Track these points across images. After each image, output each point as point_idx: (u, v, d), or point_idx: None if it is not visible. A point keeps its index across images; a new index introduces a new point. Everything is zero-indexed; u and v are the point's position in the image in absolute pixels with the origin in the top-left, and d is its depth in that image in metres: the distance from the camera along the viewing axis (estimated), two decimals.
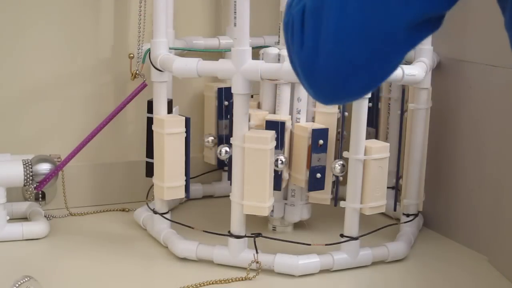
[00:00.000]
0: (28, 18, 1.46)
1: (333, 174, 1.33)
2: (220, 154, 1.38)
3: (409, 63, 1.38)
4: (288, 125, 1.31)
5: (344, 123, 1.32)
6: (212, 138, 1.52)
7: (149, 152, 1.39)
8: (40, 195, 1.47)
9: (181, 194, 1.33)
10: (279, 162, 1.27)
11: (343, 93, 0.79)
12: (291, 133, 1.32)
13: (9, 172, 1.34)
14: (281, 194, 1.38)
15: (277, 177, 1.27)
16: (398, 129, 1.47)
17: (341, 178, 1.35)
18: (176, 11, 1.49)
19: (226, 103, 1.52)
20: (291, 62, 0.80)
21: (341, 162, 1.29)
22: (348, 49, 0.74)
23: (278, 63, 1.24)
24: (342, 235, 1.27)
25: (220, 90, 1.53)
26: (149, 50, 1.34)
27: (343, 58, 0.74)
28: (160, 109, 1.33)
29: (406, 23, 0.73)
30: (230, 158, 1.27)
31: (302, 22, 0.75)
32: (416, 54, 1.36)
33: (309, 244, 1.28)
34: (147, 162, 1.42)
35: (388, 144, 1.27)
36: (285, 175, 1.32)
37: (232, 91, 1.20)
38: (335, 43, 0.74)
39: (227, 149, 1.38)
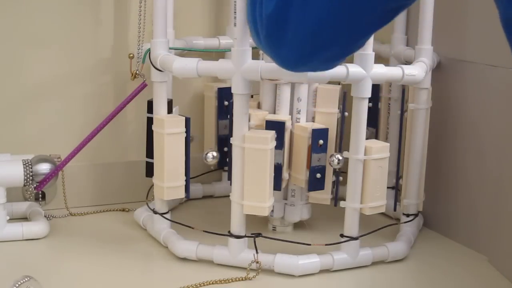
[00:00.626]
0: (28, 18, 1.46)
1: (333, 169, 1.33)
2: (206, 159, 1.37)
3: (409, 63, 1.38)
4: (288, 125, 1.31)
5: (344, 123, 1.32)
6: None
7: (149, 152, 1.39)
8: (40, 195, 1.47)
9: (181, 194, 1.33)
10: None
11: (308, 64, 0.82)
12: (291, 133, 1.32)
13: (9, 172, 1.34)
14: (281, 194, 1.38)
15: (277, 177, 1.27)
16: (398, 129, 1.47)
17: (341, 178, 1.35)
18: (176, 11, 1.49)
19: (226, 103, 1.52)
20: (257, 35, 0.83)
21: (339, 156, 1.28)
22: (319, 29, 0.75)
23: None
24: (342, 235, 1.27)
25: (220, 90, 1.53)
26: (149, 50, 1.34)
27: (313, 34, 0.76)
28: (160, 109, 1.33)
29: (383, 9, 0.74)
30: (230, 158, 1.27)
31: None
32: (416, 54, 1.36)
33: (309, 244, 1.28)
34: (147, 162, 1.42)
35: (388, 144, 1.27)
36: (285, 175, 1.32)
37: (232, 91, 1.20)
38: (307, 18, 0.75)
39: (214, 153, 1.37)
